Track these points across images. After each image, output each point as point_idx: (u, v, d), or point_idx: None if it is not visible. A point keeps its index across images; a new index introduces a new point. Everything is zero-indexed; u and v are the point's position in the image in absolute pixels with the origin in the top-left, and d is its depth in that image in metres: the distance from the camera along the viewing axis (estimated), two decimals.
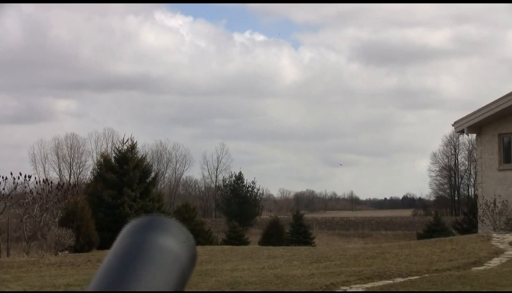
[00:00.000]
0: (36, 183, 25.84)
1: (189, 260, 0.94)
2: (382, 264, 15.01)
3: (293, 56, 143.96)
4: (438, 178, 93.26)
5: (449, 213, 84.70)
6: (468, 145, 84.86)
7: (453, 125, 28.23)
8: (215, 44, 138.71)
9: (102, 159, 41.69)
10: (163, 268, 0.86)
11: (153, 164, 65.70)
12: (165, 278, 0.85)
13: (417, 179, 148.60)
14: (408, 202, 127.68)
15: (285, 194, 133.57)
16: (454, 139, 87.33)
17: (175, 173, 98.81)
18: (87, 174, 76.13)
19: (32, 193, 25.37)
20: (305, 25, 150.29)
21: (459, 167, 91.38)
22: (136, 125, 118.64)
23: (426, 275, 13.27)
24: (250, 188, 72.71)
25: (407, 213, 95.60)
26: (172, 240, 0.93)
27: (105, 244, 25.78)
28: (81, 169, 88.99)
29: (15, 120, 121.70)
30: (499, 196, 25.96)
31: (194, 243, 0.98)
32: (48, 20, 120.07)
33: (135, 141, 40.16)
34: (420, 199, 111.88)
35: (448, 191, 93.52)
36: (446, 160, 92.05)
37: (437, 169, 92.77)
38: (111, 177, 38.23)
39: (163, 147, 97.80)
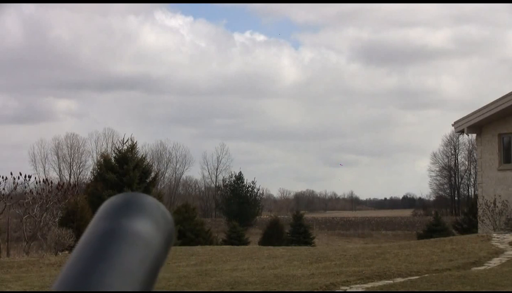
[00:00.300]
0: (36, 183, 25.83)
1: (163, 243, 0.91)
2: (382, 264, 15.01)
3: (293, 56, 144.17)
4: (438, 178, 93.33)
5: (449, 213, 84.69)
6: (468, 145, 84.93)
7: (453, 125, 28.24)
8: (215, 44, 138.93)
9: (102, 159, 41.71)
10: (134, 257, 0.85)
11: (153, 164, 65.70)
12: (136, 267, 0.84)
13: (417, 179, 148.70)
14: (408, 202, 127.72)
15: (285, 194, 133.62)
16: (454, 139, 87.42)
17: (175, 173, 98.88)
18: (87, 174, 76.21)
19: (32, 193, 25.35)
20: (305, 25, 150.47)
21: (459, 167, 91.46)
22: (136, 125, 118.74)
23: (426, 275, 13.26)
24: (250, 188, 72.77)
25: (407, 213, 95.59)
26: (146, 224, 0.90)
27: None
28: (81, 169, 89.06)
29: (15, 120, 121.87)
30: (499, 196, 25.97)
31: (171, 222, 0.96)
32: (49, 20, 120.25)
33: (135, 141, 40.21)
34: (420, 199, 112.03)
35: (448, 191, 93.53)
36: (446, 160, 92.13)
37: (437, 169, 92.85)
38: (111, 177, 38.24)
39: (163, 147, 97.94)
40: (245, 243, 42.63)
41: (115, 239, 0.85)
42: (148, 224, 0.90)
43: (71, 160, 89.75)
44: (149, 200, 0.94)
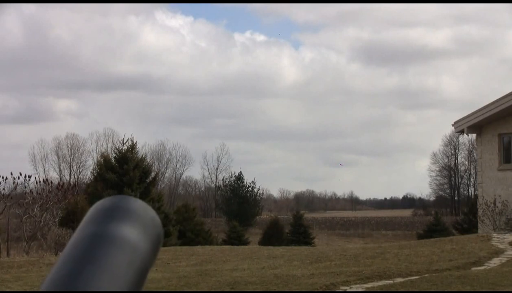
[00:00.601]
0: (36, 183, 25.83)
1: (151, 247, 0.91)
2: (382, 264, 15.00)
3: (294, 56, 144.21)
4: (438, 178, 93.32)
5: (449, 213, 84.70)
6: (468, 145, 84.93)
7: (453, 125, 28.24)
8: (215, 44, 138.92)
9: (102, 159, 41.72)
10: (121, 261, 0.85)
11: (153, 164, 65.71)
12: (123, 271, 0.84)
13: (417, 179, 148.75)
14: (408, 202, 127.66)
15: (285, 194, 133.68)
16: (454, 139, 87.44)
17: (175, 173, 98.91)
18: (87, 174, 76.28)
19: (32, 193, 25.35)
20: (305, 25, 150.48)
21: (459, 167, 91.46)
22: (136, 125, 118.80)
23: (426, 275, 13.26)
24: (250, 188, 72.73)
25: (407, 213, 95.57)
26: (133, 228, 0.90)
27: None
28: (81, 169, 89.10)
29: (15, 120, 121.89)
30: (499, 196, 25.96)
31: (160, 225, 0.96)
32: (49, 20, 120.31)
33: (135, 141, 40.19)
34: (420, 199, 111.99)
35: (448, 191, 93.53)
36: (446, 160, 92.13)
37: (437, 169, 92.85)
38: (111, 177, 38.23)
39: (163, 147, 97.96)
40: (245, 243, 42.62)
41: (103, 243, 0.85)
42: (136, 228, 0.90)
43: (71, 160, 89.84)
44: (137, 203, 0.94)
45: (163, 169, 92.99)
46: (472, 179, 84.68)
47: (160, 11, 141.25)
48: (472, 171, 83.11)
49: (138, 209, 0.93)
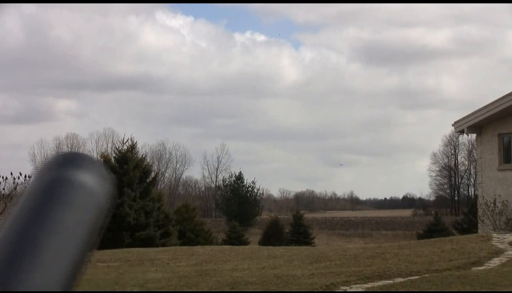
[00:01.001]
0: None
1: (105, 197, 0.93)
2: (382, 264, 15.00)
3: (294, 56, 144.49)
4: (438, 178, 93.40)
5: (449, 213, 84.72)
6: (468, 145, 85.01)
7: (453, 125, 28.24)
8: (215, 44, 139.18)
9: (102, 159, 41.72)
10: (79, 206, 0.86)
11: (153, 164, 65.71)
12: (82, 217, 0.85)
13: (417, 179, 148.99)
14: (408, 202, 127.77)
15: (285, 194, 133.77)
16: (454, 139, 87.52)
17: (175, 173, 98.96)
18: None
19: None
20: (305, 25, 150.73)
21: (459, 167, 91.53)
22: (136, 125, 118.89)
23: (426, 275, 13.26)
24: (250, 188, 72.75)
25: (407, 213, 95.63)
26: (89, 177, 0.91)
27: (105, 244, 25.78)
28: None
29: (16, 120, 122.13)
30: (499, 196, 25.96)
31: (111, 180, 0.97)
32: (49, 20, 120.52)
33: (135, 141, 40.18)
34: (420, 199, 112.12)
35: (448, 191, 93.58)
36: (446, 160, 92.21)
37: (437, 169, 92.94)
38: (111, 177, 38.25)
39: (163, 147, 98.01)
40: (245, 243, 42.63)
41: (56, 195, 0.86)
42: (91, 178, 0.92)
43: None
44: (89, 157, 0.96)
45: (163, 169, 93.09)
46: (472, 179, 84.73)
47: (160, 11, 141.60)
48: (472, 171, 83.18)
49: (91, 163, 0.95)
